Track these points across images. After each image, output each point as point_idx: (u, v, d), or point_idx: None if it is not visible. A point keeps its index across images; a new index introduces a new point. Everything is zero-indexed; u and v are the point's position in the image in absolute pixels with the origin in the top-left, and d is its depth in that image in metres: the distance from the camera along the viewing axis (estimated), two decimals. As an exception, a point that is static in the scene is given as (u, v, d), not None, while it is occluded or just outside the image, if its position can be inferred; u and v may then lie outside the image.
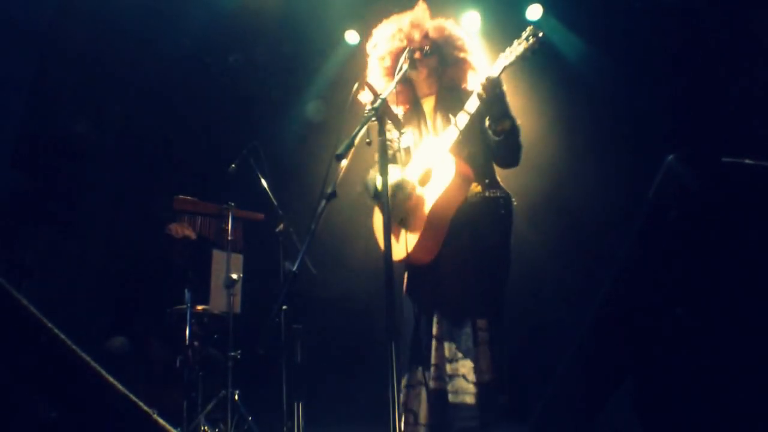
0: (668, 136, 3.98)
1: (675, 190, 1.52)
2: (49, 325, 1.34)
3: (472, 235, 2.52)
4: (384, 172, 2.20)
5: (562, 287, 4.09)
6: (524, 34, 2.45)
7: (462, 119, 2.52)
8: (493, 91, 2.39)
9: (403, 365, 2.56)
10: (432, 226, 2.51)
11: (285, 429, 3.54)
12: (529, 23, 4.54)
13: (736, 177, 1.58)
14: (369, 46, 2.85)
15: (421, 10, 2.79)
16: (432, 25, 2.76)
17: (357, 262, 4.64)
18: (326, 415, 4.16)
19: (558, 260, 4.20)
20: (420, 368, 2.53)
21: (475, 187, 2.58)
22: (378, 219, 2.79)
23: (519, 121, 2.54)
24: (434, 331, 2.49)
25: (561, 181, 4.32)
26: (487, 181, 2.62)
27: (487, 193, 2.59)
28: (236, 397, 3.57)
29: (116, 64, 4.68)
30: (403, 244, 2.57)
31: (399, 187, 2.54)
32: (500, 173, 2.73)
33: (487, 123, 2.52)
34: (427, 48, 2.66)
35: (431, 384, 2.47)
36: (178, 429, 3.39)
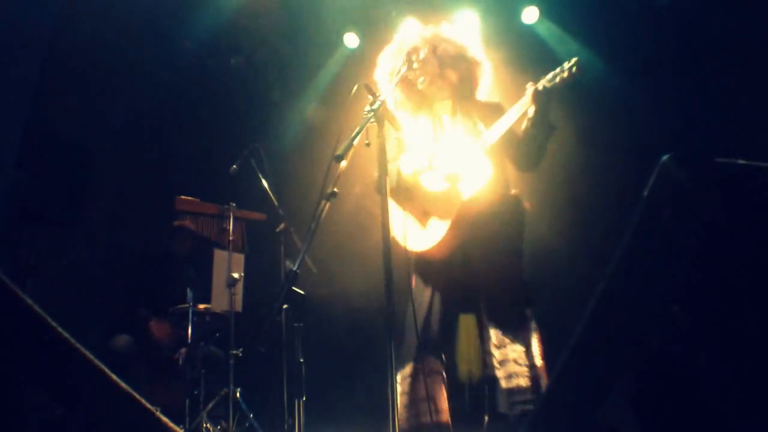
0: (663, 137, 3.99)
1: (669, 190, 1.54)
2: (53, 323, 1.37)
3: (494, 231, 2.61)
4: (383, 173, 2.23)
5: (558, 286, 4.10)
6: (567, 65, 2.54)
7: (501, 125, 2.62)
8: (544, 97, 2.53)
9: (405, 356, 2.61)
10: (460, 221, 2.59)
11: (286, 426, 3.57)
12: (525, 26, 4.57)
13: (729, 177, 1.61)
14: (377, 74, 2.92)
15: (411, 24, 2.90)
16: (427, 30, 2.84)
17: (358, 261, 4.67)
18: (327, 412, 4.19)
19: (554, 259, 4.21)
20: (432, 358, 2.58)
21: (501, 190, 2.69)
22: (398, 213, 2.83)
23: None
24: (483, 320, 2.57)
25: (557, 181, 4.33)
26: (506, 183, 2.75)
27: (506, 193, 2.72)
28: (238, 394, 3.60)
29: (118, 66, 4.71)
30: (427, 237, 2.65)
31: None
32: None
33: (526, 122, 2.62)
34: (423, 52, 2.71)
35: (491, 372, 2.52)
36: (181, 426, 3.42)
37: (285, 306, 3.36)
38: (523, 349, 2.46)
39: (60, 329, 1.38)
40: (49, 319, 1.36)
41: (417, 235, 2.68)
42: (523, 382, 2.42)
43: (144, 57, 4.78)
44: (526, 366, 2.43)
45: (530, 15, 4.55)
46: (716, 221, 1.61)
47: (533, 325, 2.53)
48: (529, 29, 4.60)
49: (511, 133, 2.66)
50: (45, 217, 4.28)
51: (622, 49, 4.30)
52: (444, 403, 2.56)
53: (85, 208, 4.60)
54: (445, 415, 2.54)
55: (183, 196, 3.91)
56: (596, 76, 4.37)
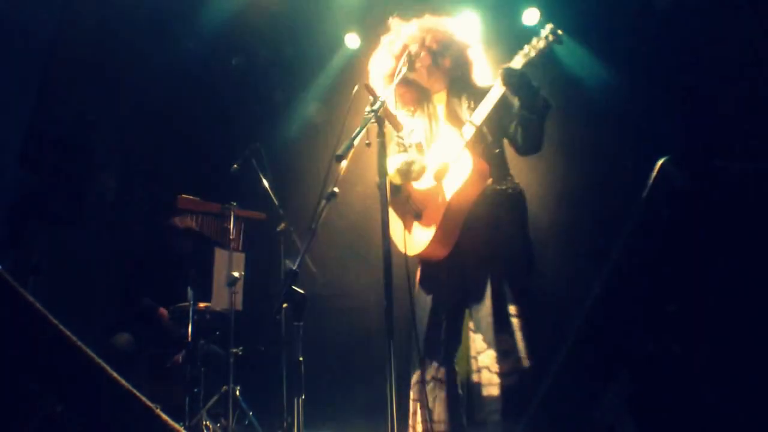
0: (661, 139, 4.00)
1: (667, 191, 1.55)
2: (55, 321, 1.38)
3: (488, 228, 2.55)
4: (382, 173, 2.24)
5: (556, 286, 4.11)
6: (543, 32, 2.52)
7: (478, 115, 2.56)
8: (517, 79, 2.46)
9: (414, 361, 2.59)
10: (448, 220, 2.53)
11: (285, 425, 3.59)
12: (526, 28, 4.57)
13: (725, 179, 1.62)
14: (373, 79, 2.88)
15: (395, 23, 2.85)
16: (412, 26, 2.80)
17: (357, 260, 4.68)
18: (326, 410, 4.20)
19: (552, 259, 4.21)
20: (435, 364, 2.55)
21: (490, 181, 2.60)
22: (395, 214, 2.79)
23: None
24: (471, 325, 2.52)
25: (556, 182, 4.33)
26: (500, 174, 2.65)
27: (500, 187, 2.63)
28: (237, 392, 3.62)
29: (120, 65, 4.73)
30: (418, 239, 2.60)
31: (408, 164, 2.62)
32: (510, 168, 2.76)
33: (516, 106, 2.54)
34: (414, 47, 2.71)
35: (474, 377, 2.46)
36: (181, 424, 3.44)
37: (285, 305, 3.38)
38: (495, 354, 2.39)
39: (61, 327, 1.39)
40: (51, 317, 1.37)
41: (412, 237, 2.63)
42: (494, 391, 2.38)
43: (146, 56, 4.79)
44: (497, 374, 2.37)
45: (531, 16, 4.54)
46: (712, 221, 1.63)
47: (519, 324, 2.44)
48: (529, 31, 4.59)
49: (498, 121, 2.60)
50: (47, 215, 4.29)
51: (622, 50, 4.30)
52: (442, 413, 2.50)
53: (87, 206, 4.62)
54: (441, 426, 2.49)
55: (184, 195, 3.93)
56: (596, 77, 4.37)
